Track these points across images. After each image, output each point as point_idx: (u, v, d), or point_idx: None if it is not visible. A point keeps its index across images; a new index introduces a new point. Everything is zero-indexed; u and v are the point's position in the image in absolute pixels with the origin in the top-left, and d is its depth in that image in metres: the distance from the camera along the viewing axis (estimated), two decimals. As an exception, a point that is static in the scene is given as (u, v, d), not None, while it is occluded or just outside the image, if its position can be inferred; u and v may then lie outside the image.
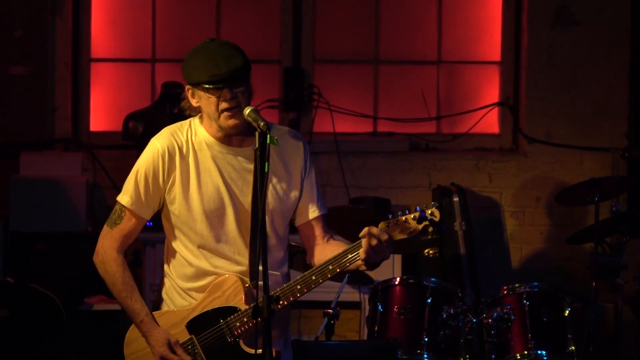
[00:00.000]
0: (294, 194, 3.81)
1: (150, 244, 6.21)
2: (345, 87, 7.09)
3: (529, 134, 6.96)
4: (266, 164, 3.51)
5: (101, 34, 7.01)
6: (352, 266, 3.67)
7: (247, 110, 3.62)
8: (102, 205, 6.79)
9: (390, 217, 3.62)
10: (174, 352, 3.76)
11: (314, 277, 3.68)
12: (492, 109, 7.10)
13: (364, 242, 3.58)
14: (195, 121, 3.81)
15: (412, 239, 3.65)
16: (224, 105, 3.66)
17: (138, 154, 6.33)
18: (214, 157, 3.76)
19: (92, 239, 5.93)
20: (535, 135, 6.96)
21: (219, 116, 3.68)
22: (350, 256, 3.64)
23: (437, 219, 3.58)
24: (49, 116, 6.84)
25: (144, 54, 7.04)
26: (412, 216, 3.58)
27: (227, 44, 3.71)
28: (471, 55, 7.12)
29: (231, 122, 3.68)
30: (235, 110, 3.66)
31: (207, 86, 3.64)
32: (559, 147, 6.95)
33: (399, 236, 3.60)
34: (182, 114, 6.50)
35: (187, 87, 3.72)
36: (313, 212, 3.86)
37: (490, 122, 7.11)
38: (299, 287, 3.69)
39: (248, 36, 7.01)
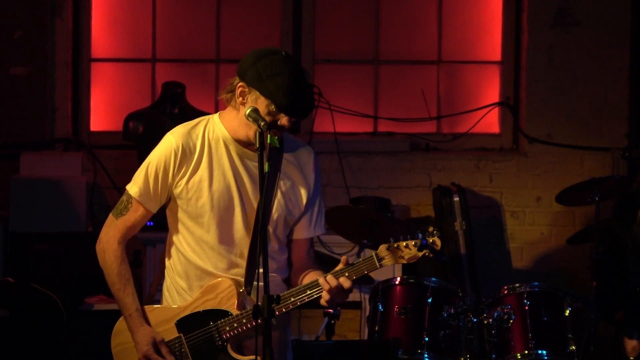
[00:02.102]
0: (300, 206, 3.81)
1: (150, 243, 6.21)
2: (345, 87, 7.09)
3: (529, 133, 6.96)
4: (266, 164, 3.52)
5: (101, 34, 7.01)
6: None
7: (247, 110, 3.61)
8: (102, 205, 6.79)
9: (391, 240, 3.64)
10: (158, 351, 3.77)
11: (292, 299, 3.67)
12: (492, 108, 7.10)
13: (327, 285, 3.62)
14: (214, 118, 3.79)
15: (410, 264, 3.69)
16: (280, 126, 3.64)
17: (139, 154, 6.43)
18: (229, 156, 3.74)
19: (93, 239, 5.93)
20: (536, 135, 6.96)
21: (270, 127, 3.61)
22: (317, 289, 3.66)
23: (438, 247, 3.61)
24: (49, 116, 6.84)
25: (144, 54, 7.04)
26: (413, 242, 3.61)
27: (303, 72, 3.70)
28: (471, 55, 7.13)
29: (279, 132, 3.67)
30: (288, 127, 3.68)
31: (279, 110, 3.60)
32: (559, 147, 6.96)
33: (399, 261, 3.63)
34: (182, 114, 6.54)
35: (243, 84, 3.64)
36: (307, 232, 3.87)
37: (490, 122, 7.11)
38: (292, 299, 3.69)
39: (248, 36, 7.01)
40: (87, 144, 6.85)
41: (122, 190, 6.50)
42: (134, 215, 3.80)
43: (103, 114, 7.02)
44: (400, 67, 7.14)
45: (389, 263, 3.63)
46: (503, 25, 7.08)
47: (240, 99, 3.67)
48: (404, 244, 3.61)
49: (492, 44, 7.12)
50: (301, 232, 3.86)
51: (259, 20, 7.07)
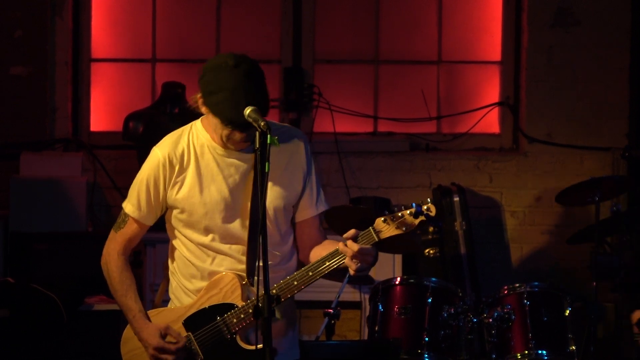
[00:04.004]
0: (296, 190, 3.83)
1: (150, 244, 6.21)
2: (345, 87, 7.09)
3: (529, 133, 6.96)
4: (267, 163, 3.52)
5: (101, 34, 7.01)
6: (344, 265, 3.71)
7: (247, 110, 3.61)
8: (102, 205, 6.79)
9: (386, 213, 3.65)
10: (167, 342, 3.78)
11: (310, 274, 3.71)
12: (492, 108, 7.10)
13: (348, 250, 3.64)
14: (197, 124, 3.82)
15: (409, 234, 3.69)
16: (234, 140, 3.66)
17: (138, 154, 6.43)
18: (215, 159, 3.77)
19: (93, 239, 5.98)
20: (536, 135, 6.96)
21: (227, 139, 3.68)
22: (337, 258, 3.70)
23: (432, 214, 3.63)
24: (49, 116, 6.84)
25: (144, 54, 7.04)
26: (408, 212, 3.64)
27: (252, 76, 3.61)
28: (471, 55, 7.12)
29: (237, 146, 3.71)
30: (243, 141, 3.68)
31: (223, 123, 3.62)
32: (559, 147, 6.96)
33: (396, 232, 3.65)
34: (182, 114, 6.53)
35: (198, 97, 3.67)
36: (312, 211, 3.88)
37: (490, 122, 7.11)
38: (295, 283, 3.72)
39: (248, 36, 7.01)
40: (87, 144, 6.85)
41: (122, 191, 6.52)
42: (131, 228, 3.87)
43: (103, 114, 7.02)
44: (400, 67, 7.13)
45: (388, 234, 3.65)
46: (503, 25, 7.08)
47: (204, 108, 3.69)
48: (399, 214, 3.64)
49: (492, 44, 7.12)
50: (306, 212, 3.87)
51: (259, 20, 7.07)
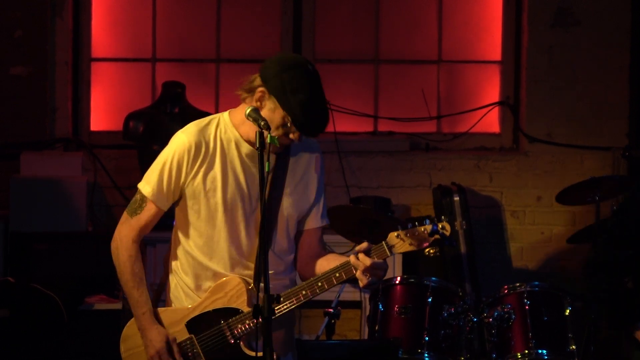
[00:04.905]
0: (309, 201, 3.83)
1: (150, 243, 6.21)
2: (345, 86, 7.08)
3: (529, 133, 6.97)
4: (267, 163, 3.51)
5: (101, 33, 7.01)
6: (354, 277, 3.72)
7: (247, 110, 3.61)
8: (102, 205, 6.78)
9: (399, 227, 3.64)
10: (171, 350, 3.76)
11: (320, 284, 3.70)
12: (492, 108, 7.10)
13: (360, 264, 3.63)
14: (224, 117, 3.78)
15: (421, 250, 3.71)
16: (290, 139, 3.66)
17: (139, 154, 6.43)
18: (240, 157, 3.74)
19: (93, 239, 5.98)
20: (536, 134, 6.96)
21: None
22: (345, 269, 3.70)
23: (447, 233, 3.64)
24: (49, 116, 6.83)
25: (145, 54, 7.04)
26: (422, 229, 3.63)
27: (322, 89, 3.69)
28: (472, 55, 7.12)
29: (280, 146, 3.70)
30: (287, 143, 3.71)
31: (294, 125, 3.61)
32: (559, 147, 6.96)
33: (409, 248, 3.66)
34: (182, 114, 6.53)
35: (265, 90, 3.64)
36: (317, 222, 3.88)
37: (490, 122, 7.11)
38: (304, 292, 3.71)
39: (248, 36, 7.01)
40: (87, 144, 6.85)
41: (122, 190, 6.51)
42: (147, 214, 3.80)
43: (103, 113, 7.02)
44: (400, 67, 7.13)
45: (400, 250, 3.65)
46: (503, 25, 7.08)
47: (259, 103, 3.66)
48: (414, 230, 3.63)
49: (492, 44, 7.12)
50: (312, 222, 3.87)
51: (259, 20, 7.07)
